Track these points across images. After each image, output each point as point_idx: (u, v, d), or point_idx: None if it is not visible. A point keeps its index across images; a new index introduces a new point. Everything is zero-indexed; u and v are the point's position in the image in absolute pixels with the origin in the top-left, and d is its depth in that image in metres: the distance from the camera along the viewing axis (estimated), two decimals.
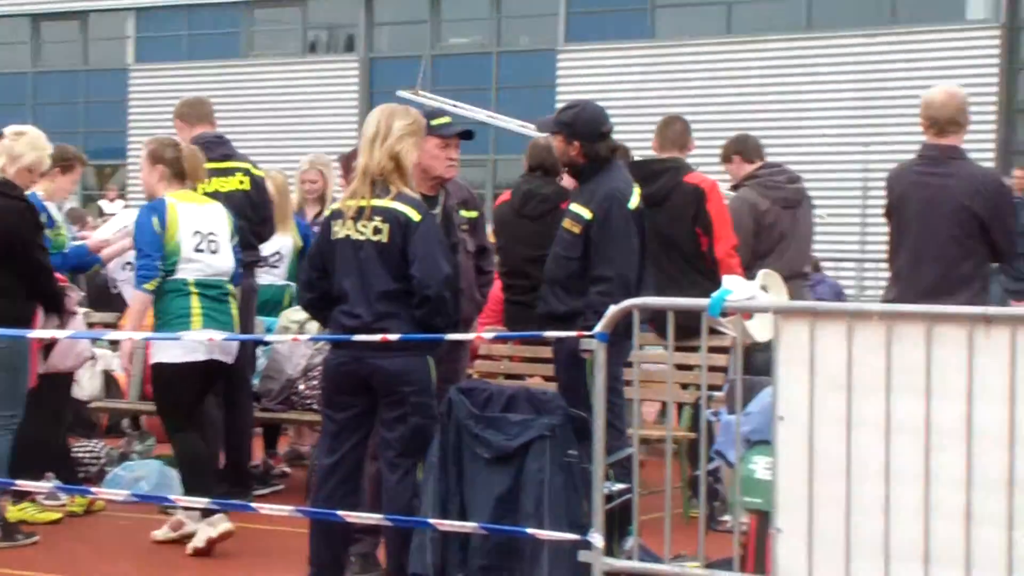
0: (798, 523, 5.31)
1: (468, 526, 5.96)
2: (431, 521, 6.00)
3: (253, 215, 8.60)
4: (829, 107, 24.43)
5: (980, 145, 22.83)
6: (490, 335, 8.22)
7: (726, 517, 7.41)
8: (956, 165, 7.30)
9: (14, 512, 7.87)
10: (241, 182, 8.61)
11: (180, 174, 7.64)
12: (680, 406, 8.53)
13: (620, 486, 6.01)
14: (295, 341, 8.69)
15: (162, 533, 7.60)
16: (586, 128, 7.17)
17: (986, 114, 23.59)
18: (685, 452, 8.33)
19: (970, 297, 7.02)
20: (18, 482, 7.14)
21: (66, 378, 8.24)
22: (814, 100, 24.55)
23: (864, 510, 5.20)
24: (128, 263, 8.69)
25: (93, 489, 7.92)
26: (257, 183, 8.70)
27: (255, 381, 8.88)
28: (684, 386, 8.33)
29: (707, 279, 7.91)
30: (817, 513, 5.28)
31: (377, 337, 6.11)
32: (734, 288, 5.65)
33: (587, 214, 7.12)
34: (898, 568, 5.14)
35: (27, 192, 7.57)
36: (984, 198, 7.23)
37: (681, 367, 8.16)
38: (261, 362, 8.98)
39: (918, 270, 7.30)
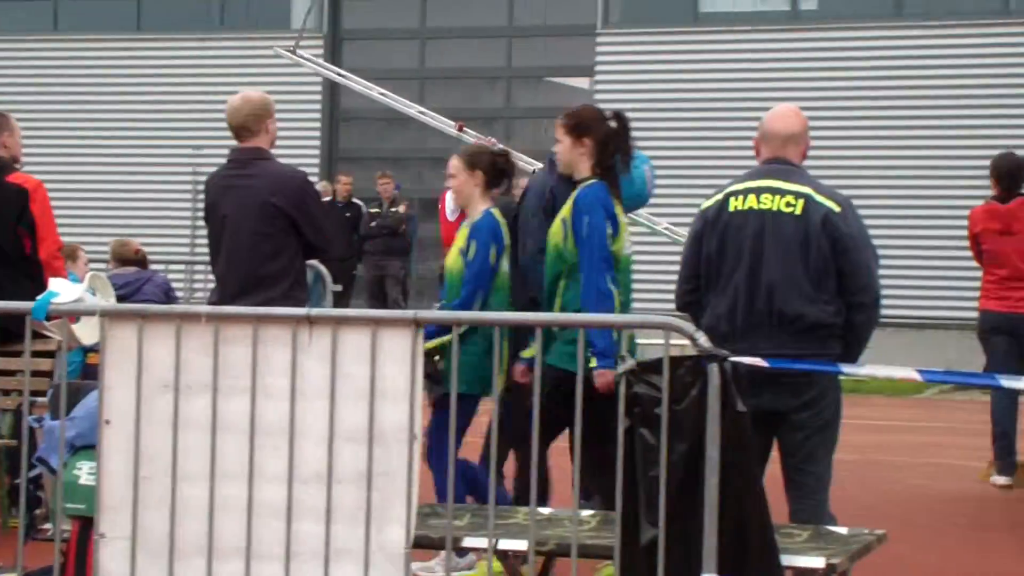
0: (122, 527, 5.26)
1: None
2: None
3: None
4: (158, 108, 24.40)
5: (306, 152, 23.49)
6: None
7: (48, 525, 7.27)
8: (260, 166, 7.58)
9: None
10: None
11: None
12: (1, 412, 8.30)
13: None
14: None
15: None
16: None
17: (312, 122, 24.31)
18: (5, 460, 8.12)
19: (282, 294, 7.26)
20: None
21: None
22: (145, 101, 24.49)
23: (190, 510, 5.23)
24: None
25: None
26: None
27: None
28: (6, 392, 8.10)
29: (32, 281, 7.73)
30: (142, 516, 5.26)
31: None
32: (61, 291, 5.55)
33: None
34: (221, 566, 5.21)
35: None
36: (288, 195, 7.50)
37: (2, 372, 7.97)
38: None
39: (230, 270, 7.49)
